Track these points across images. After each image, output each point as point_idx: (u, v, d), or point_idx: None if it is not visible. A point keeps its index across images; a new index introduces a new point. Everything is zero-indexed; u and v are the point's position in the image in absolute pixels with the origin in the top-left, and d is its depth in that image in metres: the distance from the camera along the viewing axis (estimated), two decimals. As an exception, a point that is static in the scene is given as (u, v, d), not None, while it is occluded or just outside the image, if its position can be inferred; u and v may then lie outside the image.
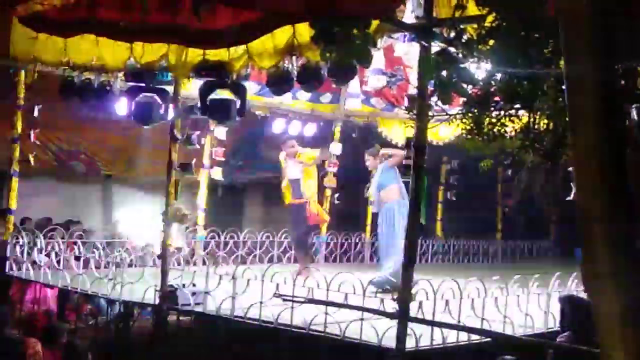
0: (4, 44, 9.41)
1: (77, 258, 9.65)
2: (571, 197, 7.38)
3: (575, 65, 3.44)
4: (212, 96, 7.68)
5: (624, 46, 4.60)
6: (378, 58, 9.99)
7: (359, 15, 4.94)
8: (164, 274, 7.99)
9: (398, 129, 12.51)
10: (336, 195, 12.68)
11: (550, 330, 7.08)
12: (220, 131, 11.17)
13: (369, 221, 13.19)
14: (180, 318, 8.30)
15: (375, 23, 5.58)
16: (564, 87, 4.37)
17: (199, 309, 7.76)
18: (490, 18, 4.70)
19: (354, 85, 11.47)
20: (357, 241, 13.13)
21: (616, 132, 3.37)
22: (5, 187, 10.44)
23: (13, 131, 10.01)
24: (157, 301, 7.93)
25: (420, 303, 6.36)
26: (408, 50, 7.90)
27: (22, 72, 9.82)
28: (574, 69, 3.46)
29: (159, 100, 8.08)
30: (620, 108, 3.69)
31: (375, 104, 12.70)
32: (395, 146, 11.72)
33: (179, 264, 9.05)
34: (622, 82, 4.79)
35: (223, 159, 11.58)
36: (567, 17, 3.42)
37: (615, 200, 3.30)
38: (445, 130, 10.65)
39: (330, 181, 12.44)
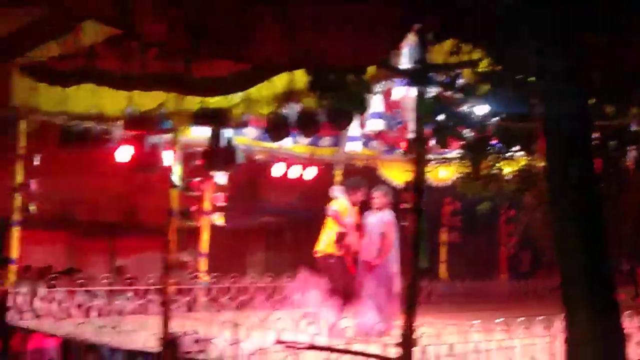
0: (5, 94, 9.45)
1: (79, 306, 9.59)
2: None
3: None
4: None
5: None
6: (377, 101, 10.04)
7: (352, 63, 4.97)
8: (166, 321, 7.93)
9: (398, 172, 12.49)
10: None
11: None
12: (221, 177, 11.17)
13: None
14: (183, 366, 8.22)
15: (370, 69, 5.60)
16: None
17: (201, 356, 7.69)
18: (484, 63, 4.74)
19: (354, 128, 11.47)
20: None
21: (595, 199, 3.36)
22: (6, 236, 10.41)
23: (14, 180, 10.03)
24: (160, 349, 7.86)
25: (424, 348, 6.29)
26: (405, 94, 7.91)
27: (24, 122, 9.89)
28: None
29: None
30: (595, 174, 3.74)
31: (375, 147, 12.70)
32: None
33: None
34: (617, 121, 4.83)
35: (224, 204, 11.57)
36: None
37: (594, 267, 3.27)
38: (445, 172, 10.64)
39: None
